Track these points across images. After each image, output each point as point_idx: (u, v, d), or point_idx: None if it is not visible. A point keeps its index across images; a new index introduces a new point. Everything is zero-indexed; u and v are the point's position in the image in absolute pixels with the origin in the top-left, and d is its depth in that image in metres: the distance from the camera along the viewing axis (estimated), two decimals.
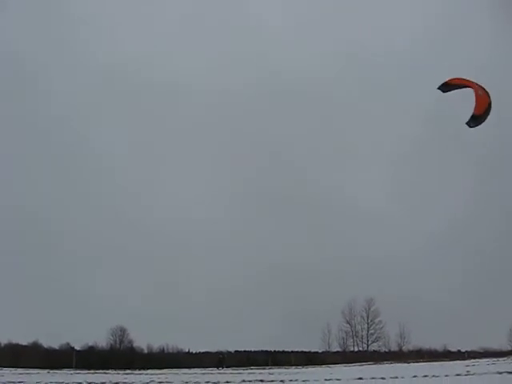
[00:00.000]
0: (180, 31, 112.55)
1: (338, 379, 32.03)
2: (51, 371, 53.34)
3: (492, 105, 17.43)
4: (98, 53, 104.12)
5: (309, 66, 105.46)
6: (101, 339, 78.42)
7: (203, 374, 47.45)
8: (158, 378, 38.26)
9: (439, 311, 79.68)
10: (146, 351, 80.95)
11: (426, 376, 30.81)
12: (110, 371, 53.74)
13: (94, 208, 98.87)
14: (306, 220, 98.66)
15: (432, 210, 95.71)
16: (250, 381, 33.17)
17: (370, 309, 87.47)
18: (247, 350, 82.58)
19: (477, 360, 55.41)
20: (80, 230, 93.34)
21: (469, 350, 76.83)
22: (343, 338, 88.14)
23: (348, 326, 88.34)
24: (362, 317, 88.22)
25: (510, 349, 77.39)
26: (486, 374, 30.88)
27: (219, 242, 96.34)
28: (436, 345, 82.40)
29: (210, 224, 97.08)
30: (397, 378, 30.94)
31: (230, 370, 54.62)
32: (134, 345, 79.91)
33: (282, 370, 54.95)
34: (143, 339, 79.71)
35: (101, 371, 53.28)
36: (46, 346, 76.51)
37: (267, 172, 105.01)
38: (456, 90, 18.18)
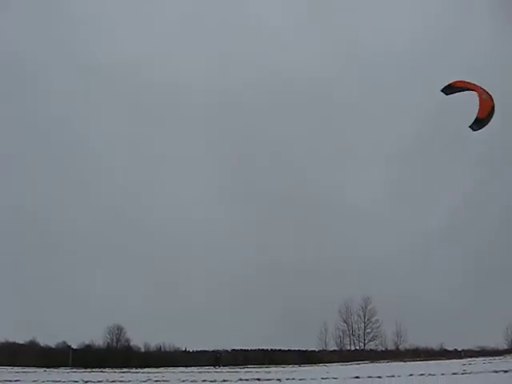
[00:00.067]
0: (180, 31, 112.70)
1: (334, 378, 32.08)
2: (48, 370, 53.39)
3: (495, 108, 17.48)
4: (98, 53, 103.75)
5: (309, 65, 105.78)
6: (97, 338, 78.68)
7: (200, 372, 47.41)
8: (155, 377, 38.26)
9: (436, 310, 79.90)
10: (142, 350, 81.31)
11: (422, 375, 30.85)
12: (106, 370, 53.76)
13: (93, 208, 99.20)
14: (304, 219, 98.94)
15: (429, 209, 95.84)
16: (246, 379, 33.16)
17: (366, 308, 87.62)
18: (244, 348, 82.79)
19: (473, 359, 55.48)
20: (80, 230, 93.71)
21: (465, 348, 76.90)
22: (340, 337, 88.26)
23: (345, 324, 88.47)
24: (358, 315, 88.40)
25: (506, 348, 77.60)
26: (482, 372, 30.94)
27: (217, 242, 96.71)
28: (433, 343, 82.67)
29: (208, 224, 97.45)
30: (393, 376, 30.95)
31: (226, 369, 54.60)
32: (131, 343, 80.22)
33: (279, 368, 54.98)
34: (140, 338, 79.99)
35: (97, 370, 53.29)
36: (42, 345, 76.72)
37: (267, 172, 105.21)
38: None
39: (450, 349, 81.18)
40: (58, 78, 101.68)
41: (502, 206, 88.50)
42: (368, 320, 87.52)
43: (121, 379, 35.80)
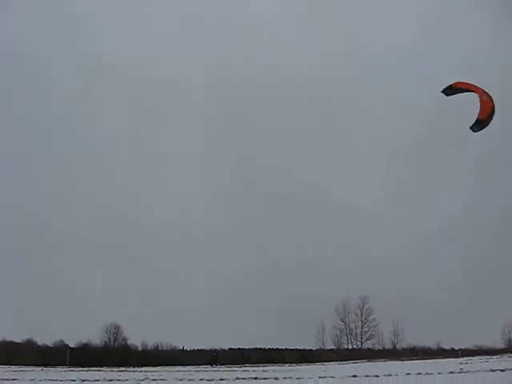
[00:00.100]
0: (180, 31, 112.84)
1: (332, 377, 32.10)
2: (45, 369, 53.36)
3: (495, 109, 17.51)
4: (98, 53, 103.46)
5: (309, 65, 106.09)
6: (95, 337, 78.69)
7: (197, 371, 47.47)
8: (152, 376, 38.28)
9: (433, 309, 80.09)
10: (140, 349, 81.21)
11: (419, 374, 30.89)
12: (104, 368, 53.76)
13: (93, 208, 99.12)
14: (303, 219, 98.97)
15: (427, 210, 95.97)
16: (243, 378, 33.16)
17: (363, 307, 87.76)
18: (241, 347, 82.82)
19: (470, 358, 55.65)
20: (80, 230, 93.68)
21: (462, 347, 77.00)
22: (337, 336, 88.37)
23: (342, 323, 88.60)
24: (356, 315, 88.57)
25: (503, 347, 77.84)
26: (479, 371, 31.03)
27: (215, 242, 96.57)
28: (430, 342, 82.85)
29: (206, 223, 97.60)
30: (390, 375, 30.99)
31: (223, 368, 54.68)
32: (129, 342, 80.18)
33: (276, 367, 55.05)
34: (137, 337, 79.96)
35: (95, 369, 53.28)
36: (40, 344, 76.67)
37: (267, 172, 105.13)
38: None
39: (447, 348, 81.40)
40: (58, 78, 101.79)
41: (501, 207, 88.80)
42: (365, 319, 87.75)
43: (118, 378, 35.74)
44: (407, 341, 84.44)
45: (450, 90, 18.21)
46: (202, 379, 33.61)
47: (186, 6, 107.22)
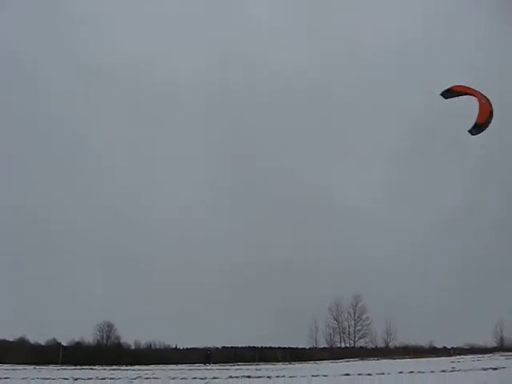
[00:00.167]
0: (180, 31, 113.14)
1: (324, 375, 32.18)
2: (37, 367, 53.20)
3: (494, 111, 17.62)
4: (98, 53, 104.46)
5: (309, 65, 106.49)
6: (88, 335, 78.53)
7: (190, 370, 47.50)
8: (145, 374, 38.28)
9: (426, 308, 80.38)
10: (133, 347, 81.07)
11: (412, 372, 30.99)
12: (96, 367, 53.66)
13: (93, 208, 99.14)
14: (301, 219, 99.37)
15: (427, 209, 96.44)
16: (236, 377, 33.17)
17: (356, 305, 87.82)
18: (234, 346, 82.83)
19: (462, 356, 55.83)
20: (80, 230, 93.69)
21: (454, 346, 77.31)
22: (330, 335, 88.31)
23: (335, 322, 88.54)
24: (349, 313, 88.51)
25: (495, 345, 78.13)
26: (471, 370, 31.21)
27: (208, 241, 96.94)
28: (422, 341, 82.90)
29: (206, 223, 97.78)
30: (383, 374, 31.10)
31: (217, 366, 54.65)
32: (121, 341, 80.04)
33: (269, 366, 55.07)
34: (130, 335, 79.85)
35: (87, 367, 53.18)
36: (32, 342, 76.46)
37: (267, 172, 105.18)
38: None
39: (440, 346, 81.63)
40: (58, 77, 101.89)
41: (497, 208, 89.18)
42: (358, 318, 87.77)
43: (111, 376, 35.72)
44: (400, 339, 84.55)
45: (449, 93, 18.34)
46: (195, 378, 33.62)
47: (185, 6, 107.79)
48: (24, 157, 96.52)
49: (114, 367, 53.97)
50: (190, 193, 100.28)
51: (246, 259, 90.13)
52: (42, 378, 33.61)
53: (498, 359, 44.03)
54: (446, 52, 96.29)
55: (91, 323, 77.74)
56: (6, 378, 32.66)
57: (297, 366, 55.10)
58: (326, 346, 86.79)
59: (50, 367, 54.58)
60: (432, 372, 30.45)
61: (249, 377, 32.93)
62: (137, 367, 53.97)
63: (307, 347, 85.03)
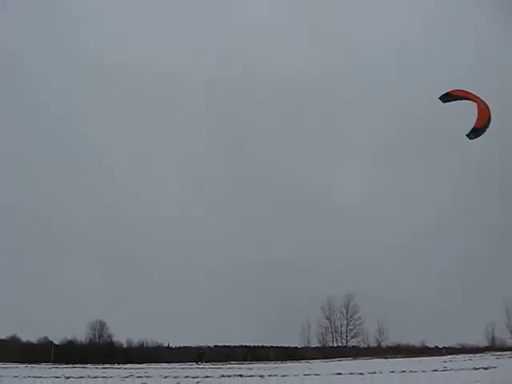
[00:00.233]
0: (180, 31, 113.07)
1: (316, 374, 32.28)
2: (29, 365, 53.03)
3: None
4: (98, 53, 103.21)
5: (309, 65, 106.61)
6: (80, 333, 78.37)
7: (182, 368, 47.43)
8: (137, 373, 38.24)
9: (418, 308, 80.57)
10: (125, 346, 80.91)
11: (403, 371, 31.11)
12: (88, 365, 53.51)
13: (94, 208, 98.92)
14: (296, 218, 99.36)
15: (415, 209, 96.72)
16: (229, 376, 33.21)
17: (349, 305, 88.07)
18: (227, 345, 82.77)
19: (454, 356, 56.04)
20: (80, 230, 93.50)
21: (446, 346, 77.63)
22: (322, 334, 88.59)
23: (327, 321, 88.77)
24: (341, 313, 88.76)
25: (486, 345, 78.55)
26: (462, 369, 31.37)
27: (202, 240, 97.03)
28: (414, 341, 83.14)
29: (201, 222, 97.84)
30: (375, 373, 31.18)
31: (209, 365, 54.62)
32: (114, 339, 79.92)
33: (262, 365, 55.04)
34: (123, 334, 79.74)
35: (79, 366, 53.03)
36: (24, 341, 76.21)
37: (267, 172, 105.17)
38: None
39: (432, 346, 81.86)
40: (58, 77, 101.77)
41: (495, 209, 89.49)
42: (350, 317, 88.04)
43: (103, 375, 35.69)
44: (392, 339, 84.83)
45: (448, 97, 18.45)
46: (187, 376, 33.66)
47: (185, 5, 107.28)
48: (24, 157, 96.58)
49: (107, 366, 53.85)
50: (190, 193, 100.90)
51: (246, 259, 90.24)
52: (34, 377, 33.51)
53: (489, 359, 44.25)
54: (446, 52, 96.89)
55: (84, 322, 77.89)
56: None
57: (289, 365, 55.13)
58: (318, 345, 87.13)
59: (42, 365, 54.42)
60: (424, 371, 30.60)
61: (241, 376, 32.98)
62: (129, 366, 53.82)
63: (300, 346, 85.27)
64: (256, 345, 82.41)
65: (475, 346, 76.37)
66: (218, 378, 32.14)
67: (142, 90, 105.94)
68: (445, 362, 42.52)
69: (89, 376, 34.41)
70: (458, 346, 77.72)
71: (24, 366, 52.22)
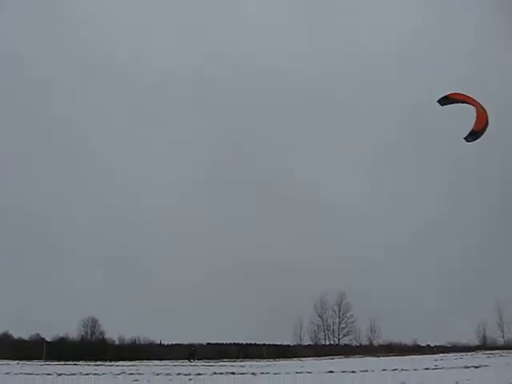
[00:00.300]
0: (180, 31, 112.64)
1: (308, 372, 32.36)
2: (21, 362, 52.90)
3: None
4: (98, 53, 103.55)
5: (309, 66, 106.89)
6: (72, 330, 78.23)
7: (174, 366, 47.47)
8: (129, 370, 38.26)
9: (410, 307, 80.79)
10: (117, 343, 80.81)
11: (395, 370, 31.27)
12: (80, 363, 53.46)
13: (94, 208, 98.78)
14: (296, 218, 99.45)
15: (414, 209, 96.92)
16: (221, 373, 33.27)
17: (341, 303, 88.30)
18: (219, 342, 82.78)
19: (445, 355, 56.34)
20: (80, 230, 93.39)
21: (438, 344, 78.04)
22: (315, 332, 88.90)
23: (319, 319, 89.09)
24: (333, 311, 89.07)
25: (477, 344, 78.98)
26: (454, 368, 31.52)
27: (198, 239, 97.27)
28: (406, 339, 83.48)
29: (201, 222, 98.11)
30: (367, 371, 31.32)
31: (201, 363, 54.64)
32: (106, 336, 79.79)
33: (254, 362, 55.13)
34: (115, 331, 79.66)
35: (71, 363, 52.98)
36: (15, 337, 75.97)
37: (267, 172, 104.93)
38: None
39: (423, 345, 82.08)
40: (58, 77, 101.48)
41: (493, 209, 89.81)
42: (343, 315, 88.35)
43: (95, 372, 35.69)
44: (384, 337, 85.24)
45: (446, 100, 18.52)
46: (179, 374, 33.69)
47: (185, 5, 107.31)
48: (24, 157, 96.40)
49: (99, 363, 53.84)
50: (190, 193, 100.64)
51: (246, 259, 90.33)
52: (26, 374, 33.48)
53: (480, 357, 44.55)
54: (446, 52, 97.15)
55: (76, 319, 77.78)
56: None
57: (281, 362, 55.22)
58: (310, 343, 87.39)
59: (34, 362, 54.32)
60: (415, 370, 30.76)
61: (233, 373, 33.01)
62: (121, 363, 53.82)
63: (292, 344, 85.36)
64: (248, 342, 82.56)
65: (467, 345, 76.90)
66: (211, 375, 32.17)
67: (142, 89, 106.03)
68: (436, 360, 42.75)
69: (81, 373, 34.40)
70: (449, 345, 78.25)
71: (16, 362, 52.09)
